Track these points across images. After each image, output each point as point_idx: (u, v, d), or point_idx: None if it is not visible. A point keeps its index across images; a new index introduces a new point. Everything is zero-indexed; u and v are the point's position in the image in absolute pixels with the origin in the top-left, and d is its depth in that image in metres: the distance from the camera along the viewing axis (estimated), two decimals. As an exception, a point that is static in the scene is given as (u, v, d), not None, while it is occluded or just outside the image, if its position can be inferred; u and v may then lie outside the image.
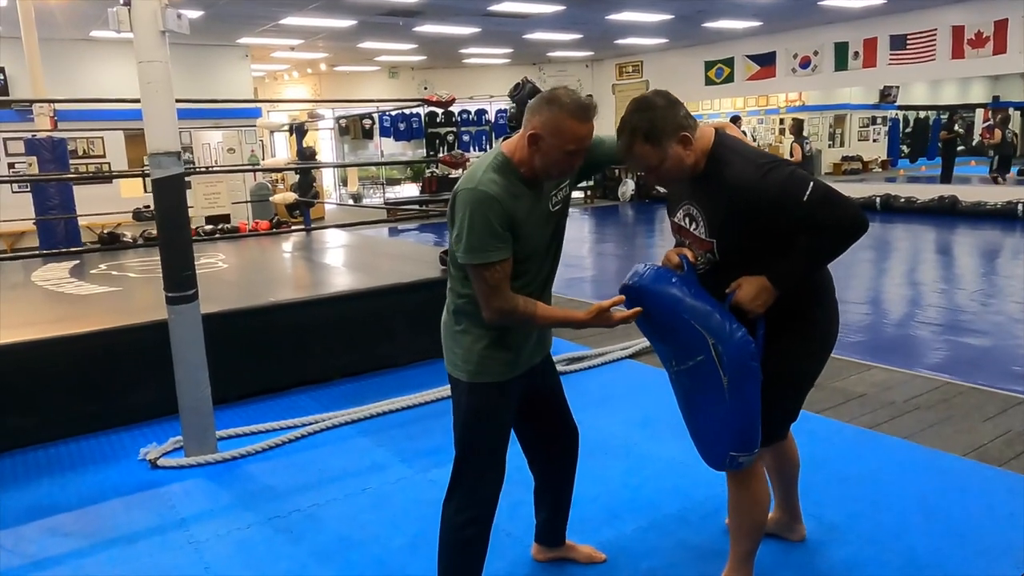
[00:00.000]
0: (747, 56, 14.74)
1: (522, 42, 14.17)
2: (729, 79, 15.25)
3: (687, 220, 2.10)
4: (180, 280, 3.33)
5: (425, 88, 17.38)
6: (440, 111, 13.58)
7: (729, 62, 15.11)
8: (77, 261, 6.39)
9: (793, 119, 11.13)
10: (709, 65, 15.50)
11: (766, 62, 14.45)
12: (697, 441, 2.20)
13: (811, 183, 1.91)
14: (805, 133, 10.80)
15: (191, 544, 2.75)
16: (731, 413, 2.00)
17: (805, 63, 13.81)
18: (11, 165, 11.09)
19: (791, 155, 10.54)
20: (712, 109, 18.55)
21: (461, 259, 1.91)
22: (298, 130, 8.17)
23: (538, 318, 1.97)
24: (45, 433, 3.72)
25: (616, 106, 17.78)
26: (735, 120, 11.38)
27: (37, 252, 7.65)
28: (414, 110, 16.81)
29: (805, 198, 1.88)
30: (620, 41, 15.06)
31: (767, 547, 2.58)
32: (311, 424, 3.77)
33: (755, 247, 1.98)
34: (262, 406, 4.13)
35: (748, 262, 2.00)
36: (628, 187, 17.17)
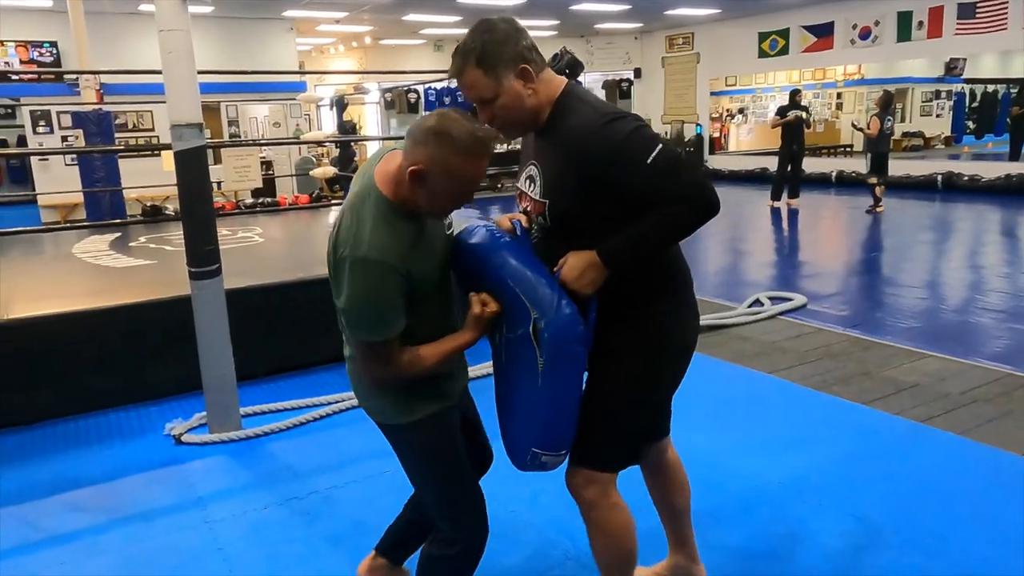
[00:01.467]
0: (803, 27, 14.14)
1: (568, 13, 13.84)
2: (784, 51, 14.69)
3: (527, 183, 1.80)
4: (203, 255, 3.28)
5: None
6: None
7: (784, 33, 14.54)
8: (119, 233, 6.46)
9: (884, 91, 10.54)
10: (763, 36, 14.95)
11: (823, 33, 13.84)
12: (503, 433, 1.86)
13: (659, 145, 1.61)
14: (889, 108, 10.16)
15: (206, 524, 2.71)
16: (540, 402, 1.69)
17: (865, 33, 13.18)
18: (64, 138, 11.31)
19: (867, 128, 10.04)
20: (765, 83, 17.95)
21: (348, 333, 1.69)
22: (338, 104, 8.11)
23: (427, 363, 1.70)
24: (75, 406, 3.74)
25: (666, 80, 17.35)
26: (795, 94, 10.91)
27: (84, 224, 7.77)
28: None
29: (649, 160, 1.59)
30: (671, 12, 14.60)
31: (802, 551, 2.42)
32: (335, 403, 3.71)
33: (588, 214, 1.68)
34: (289, 383, 4.09)
35: (580, 231, 1.70)
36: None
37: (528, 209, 1.80)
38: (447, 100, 17.48)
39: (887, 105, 10.07)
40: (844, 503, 2.67)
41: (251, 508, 2.81)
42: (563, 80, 1.76)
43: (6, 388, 3.57)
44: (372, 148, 18.22)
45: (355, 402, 3.69)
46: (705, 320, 4.90)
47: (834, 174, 13.71)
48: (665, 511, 2.19)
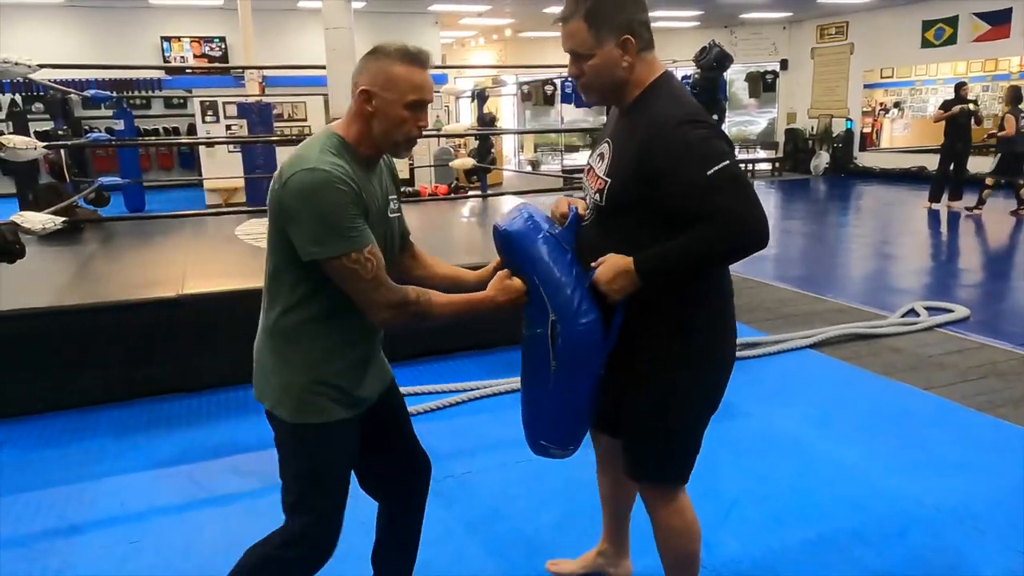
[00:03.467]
0: (975, 14, 13.02)
1: (712, 3, 13.45)
2: (951, 40, 13.59)
3: (598, 158, 1.76)
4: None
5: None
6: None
7: (952, 21, 13.44)
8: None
9: (1010, 86, 9.71)
10: (927, 25, 13.89)
11: (999, 20, 12.68)
12: (522, 419, 1.91)
13: (726, 161, 1.54)
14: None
15: (351, 497, 2.86)
16: (549, 402, 1.75)
17: (1048, 21, 11.99)
18: (228, 127, 12.23)
19: (1002, 128, 9.20)
20: (927, 74, 16.67)
21: (313, 254, 1.51)
22: (479, 96, 8.28)
23: (435, 308, 1.61)
24: (240, 375, 4.01)
25: (814, 71, 16.49)
26: (960, 87, 10.09)
27: (245, 209, 8.39)
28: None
29: (710, 171, 1.52)
30: (823, 0, 13.85)
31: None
32: (473, 390, 3.81)
33: (639, 205, 1.63)
34: (429, 368, 4.24)
35: (627, 219, 1.66)
36: (822, 160, 15.93)
37: (588, 186, 1.78)
38: (583, 92, 17.47)
39: (1016, 100, 9.24)
40: (1010, 536, 2.47)
41: (392, 486, 2.94)
42: (663, 67, 1.73)
43: (180, 356, 3.92)
44: (508, 141, 18.58)
45: (493, 390, 3.81)
46: (853, 328, 4.65)
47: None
48: (610, 500, 2.22)
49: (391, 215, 1.73)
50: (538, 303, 1.69)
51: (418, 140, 1.67)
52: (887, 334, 4.63)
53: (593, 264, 1.68)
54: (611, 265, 1.64)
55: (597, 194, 1.71)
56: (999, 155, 9.49)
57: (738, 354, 4.44)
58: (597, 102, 1.80)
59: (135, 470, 3.12)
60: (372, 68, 1.57)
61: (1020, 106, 9.32)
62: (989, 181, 9.39)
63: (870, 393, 3.76)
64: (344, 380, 1.68)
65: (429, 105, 1.64)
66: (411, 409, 3.58)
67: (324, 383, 1.65)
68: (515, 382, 3.87)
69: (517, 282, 1.72)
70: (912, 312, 5.08)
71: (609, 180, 1.68)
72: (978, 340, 4.53)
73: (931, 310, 5.11)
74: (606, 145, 1.75)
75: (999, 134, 9.45)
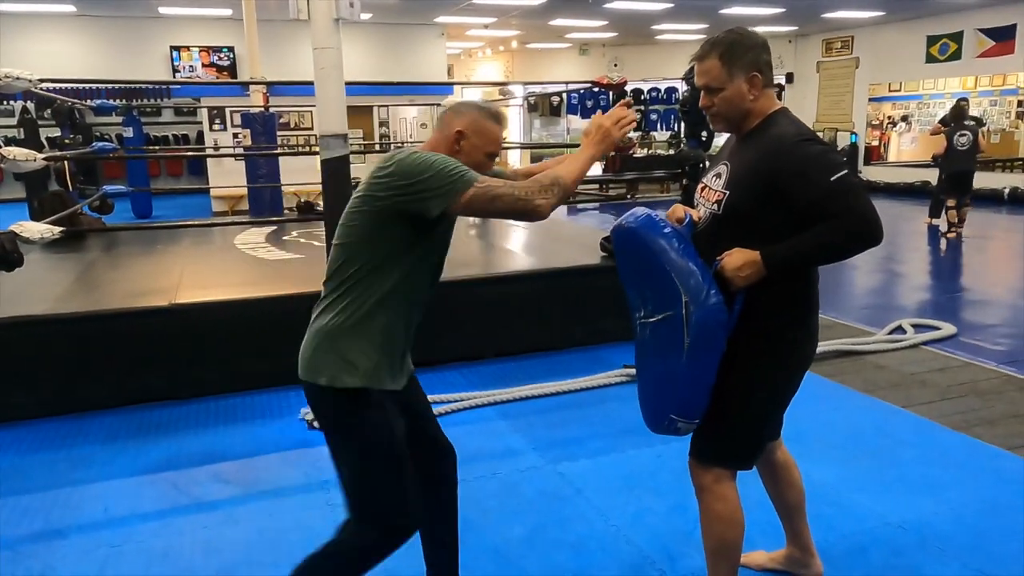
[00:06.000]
0: (979, 30, 13.04)
1: (718, 17, 13.51)
2: (955, 56, 13.60)
3: (714, 178, 2.02)
4: (342, 256, 3.53)
5: (615, 65, 17.15)
6: (626, 91, 13.40)
7: (957, 37, 13.46)
8: (275, 227, 7.02)
9: (956, 102, 9.60)
10: (932, 40, 13.91)
11: (1003, 36, 12.70)
12: (642, 401, 2.12)
13: (844, 171, 1.80)
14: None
15: (329, 506, 2.93)
16: (682, 376, 1.94)
17: (1053, 37, 11.99)
18: (235, 135, 12.37)
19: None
20: (935, 88, 16.66)
21: (444, 198, 1.72)
22: (480, 109, 8.37)
23: (564, 176, 1.83)
24: (228, 385, 4.13)
25: (820, 84, 16.52)
26: (958, 104, 10.10)
27: (247, 220, 8.50)
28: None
29: (831, 179, 1.79)
30: (829, 15, 13.91)
31: None
32: (456, 402, 3.88)
33: (755, 213, 1.89)
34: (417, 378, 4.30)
35: (742, 226, 1.90)
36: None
37: (703, 201, 2.02)
38: (589, 104, 17.57)
39: (961, 117, 9.18)
40: (969, 556, 2.50)
41: (370, 496, 3.01)
42: (780, 103, 2.01)
43: (172, 365, 4.01)
44: (511, 153, 18.69)
45: (474, 403, 3.87)
46: (838, 345, 4.69)
47: (1007, 191, 12.56)
48: (778, 506, 2.35)
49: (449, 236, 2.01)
50: (667, 289, 1.92)
51: None
52: (872, 351, 4.67)
53: (718, 257, 1.91)
54: (739, 255, 1.88)
55: (715, 204, 1.96)
56: (942, 175, 9.37)
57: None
58: (722, 130, 2.05)
59: (120, 476, 3.20)
60: (469, 116, 1.90)
61: (965, 122, 9.25)
62: (950, 203, 9.24)
63: (849, 410, 3.80)
64: (395, 358, 1.91)
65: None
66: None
67: (381, 355, 1.85)
68: (498, 394, 3.94)
69: (623, 112, 1.92)
70: (899, 329, 5.11)
71: (728, 192, 1.94)
72: (962, 358, 4.56)
73: (918, 327, 5.14)
74: (724, 166, 2.01)
75: (935, 153, 9.42)
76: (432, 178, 1.73)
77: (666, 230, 1.97)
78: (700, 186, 2.08)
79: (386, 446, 1.85)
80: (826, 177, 1.79)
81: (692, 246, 1.96)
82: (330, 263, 1.89)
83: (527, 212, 1.79)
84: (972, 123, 9.47)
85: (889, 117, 17.24)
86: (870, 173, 15.61)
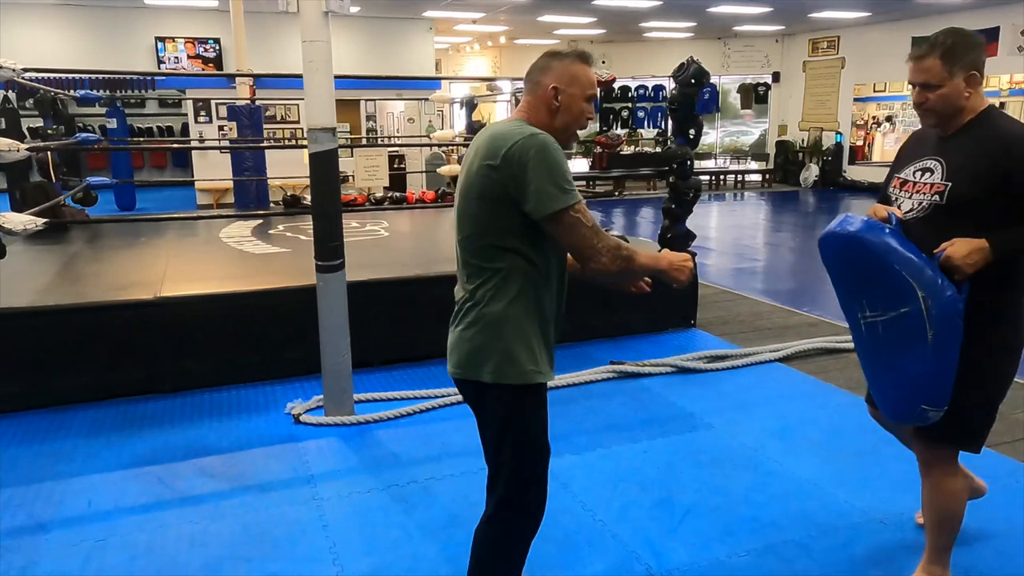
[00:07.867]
0: (964, 32, 13.15)
1: (706, 15, 13.54)
2: (940, 57, 13.70)
3: (918, 174, 2.13)
4: (329, 250, 3.52)
5: (603, 62, 17.14)
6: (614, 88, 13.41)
7: (942, 38, 13.56)
8: (261, 221, 6.97)
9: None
10: (917, 41, 14.01)
11: (986, 39, 12.82)
12: (882, 394, 2.21)
13: None
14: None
15: (314, 501, 2.93)
16: (932, 368, 2.01)
17: (1035, 40, 12.12)
18: (220, 128, 12.26)
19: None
20: (918, 90, 16.78)
21: (548, 209, 1.68)
22: (468, 104, 8.35)
23: (637, 257, 1.79)
24: (213, 378, 4.11)
25: (806, 83, 16.62)
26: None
27: (233, 213, 8.44)
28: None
29: None
30: (815, 15, 13.98)
31: None
32: (443, 397, 3.88)
33: (981, 203, 1.98)
34: (402, 373, 4.30)
35: (964, 215, 2.00)
36: (812, 172, 16.05)
37: (910, 196, 2.11)
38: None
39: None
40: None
41: (356, 491, 3.01)
42: (989, 101, 2.10)
43: (156, 358, 3.98)
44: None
45: (460, 398, 3.86)
46: (822, 342, 4.73)
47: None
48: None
49: None
50: (901, 287, 1.99)
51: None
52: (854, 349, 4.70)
53: (937, 250, 1.99)
54: (964, 244, 1.97)
55: (936, 195, 2.06)
56: None
57: (706, 366, 4.53)
58: (932, 125, 2.13)
59: (104, 470, 3.18)
60: (558, 68, 1.82)
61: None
62: None
63: (832, 407, 3.84)
64: (544, 346, 1.86)
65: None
66: (381, 415, 3.68)
67: (534, 349, 1.83)
68: (485, 390, 3.94)
69: (688, 262, 1.89)
70: (883, 328, 5.15)
71: (950, 183, 2.03)
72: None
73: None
74: (931, 161, 2.11)
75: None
76: (540, 179, 1.68)
77: (887, 230, 2.04)
78: (897, 181, 2.19)
79: (543, 442, 1.92)
80: None
81: (909, 241, 2.03)
82: (463, 259, 1.86)
83: (590, 259, 1.75)
84: None
85: (874, 117, 17.37)
86: (854, 173, 15.75)
